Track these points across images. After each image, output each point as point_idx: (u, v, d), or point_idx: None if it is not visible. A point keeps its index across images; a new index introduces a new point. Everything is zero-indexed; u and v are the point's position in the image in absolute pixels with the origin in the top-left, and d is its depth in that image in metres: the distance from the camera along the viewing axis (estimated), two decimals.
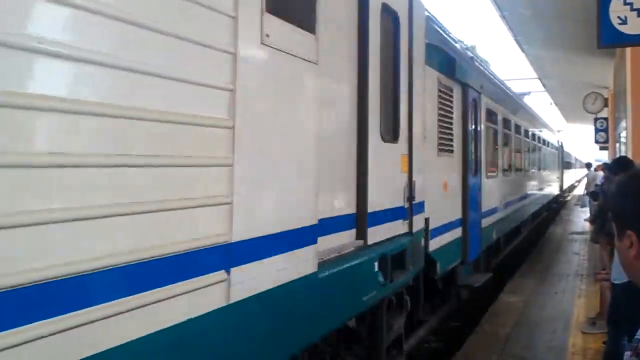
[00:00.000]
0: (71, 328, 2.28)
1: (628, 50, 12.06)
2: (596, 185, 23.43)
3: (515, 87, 22.47)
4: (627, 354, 1.83)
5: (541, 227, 23.23)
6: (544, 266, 14.60)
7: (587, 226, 22.90)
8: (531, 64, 21.82)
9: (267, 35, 3.50)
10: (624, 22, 6.03)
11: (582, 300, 10.87)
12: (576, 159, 65.01)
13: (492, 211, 12.52)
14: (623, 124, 14.40)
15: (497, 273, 14.61)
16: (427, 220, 7.42)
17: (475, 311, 11.18)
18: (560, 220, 26.94)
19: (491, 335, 8.86)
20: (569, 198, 45.98)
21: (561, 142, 35.99)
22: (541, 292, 11.71)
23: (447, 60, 9.20)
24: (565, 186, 41.66)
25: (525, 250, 17.74)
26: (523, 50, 19.45)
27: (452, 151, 9.45)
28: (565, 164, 42.52)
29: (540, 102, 34.94)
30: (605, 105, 21.54)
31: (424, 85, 6.99)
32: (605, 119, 23.82)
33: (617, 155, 17.01)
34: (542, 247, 18.13)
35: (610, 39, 6.25)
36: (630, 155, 12.06)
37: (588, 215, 26.45)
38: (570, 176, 52.75)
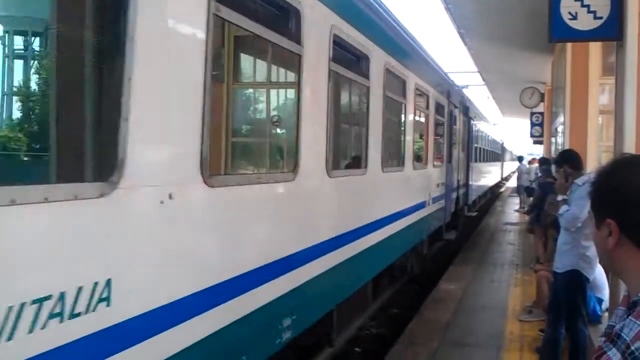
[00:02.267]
0: None
1: (568, 46, 12.37)
2: (530, 180, 24.18)
3: (456, 80, 22.64)
4: (602, 339, 1.85)
5: (476, 219, 23.67)
6: (480, 255, 14.93)
7: (520, 217, 23.55)
8: (472, 57, 22.18)
9: None
10: (574, 17, 6.15)
11: (518, 289, 11.16)
12: (503, 147, 46.40)
13: None
14: (560, 118, 14.80)
15: (435, 261, 14.88)
16: None
17: (414, 298, 11.35)
18: (494, 211, 27.59)
19: (432, 322, 9.00)
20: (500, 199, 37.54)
21: (465, 105, 18.90)
22: (478, 281, 11.97)
23: None
24: (477, 195, 23.55)
25: (461, 240, 18.11)
26: (465, 44, 19.74)
27: None
28: (485, 153, 27.25)
29: (478, 95, 35.51)
30: (542, 100, 22.11)
31: None
32: (541, 113, 24.46)
33: (554, 149, 17.55)
34: (478, 238, 18.52)
35: (560, 34, 6.37)
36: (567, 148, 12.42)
37: (518, 206, 27.30)
38: (494, 174, 35.58)
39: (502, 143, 44.51)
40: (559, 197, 6.54)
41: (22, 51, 49.56)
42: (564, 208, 6.33)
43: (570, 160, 6.61)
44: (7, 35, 49.27)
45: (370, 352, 8.55)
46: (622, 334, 1.70)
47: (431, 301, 10.32)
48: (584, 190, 6.36)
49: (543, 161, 16.03)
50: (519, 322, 8.99)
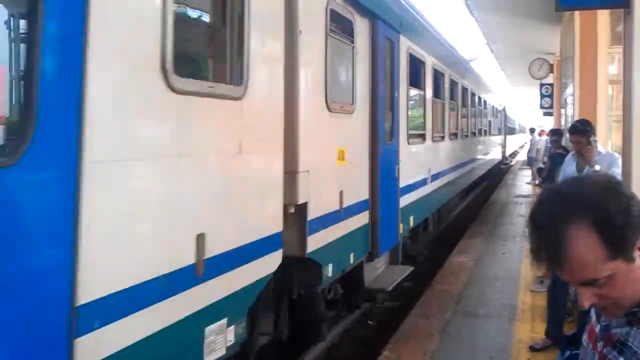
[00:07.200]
0: None
1: (576, 15, 12.29)
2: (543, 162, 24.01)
3: (463, 53, 22.51)
4: (600, 344, 1.79)
5: (486, 192, 23.66)
6: (491, 228, 14.95)
7: (531, 189, 23.51)
8: (480, 29, 22.03)
9: None
10: None
11: (529, 260, 11.19)
12: (503, 118, 32.76)
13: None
14: (569, 89, 14.73)
15: (443, 236, 14.93)
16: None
17: (426, 271, 11.43)
18: (505, 184, 27.54)
19: (444, 293, 9.08)
20: None
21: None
22: (490, 253, 12.03)
23: None
24: None
25: (471, 213, 18.14)
26: (473, 15, 19.60)
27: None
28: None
29: (486, 67, 35.07)
30: (551, 71, 21.96)
31: None
32: (551, 84, 24.29)
33: (563, 121, 17.46)
34: (488, 210, 18.52)
35: (568, 2, 6.35)
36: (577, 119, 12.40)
37: (530, 179, 27.24)
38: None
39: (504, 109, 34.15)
40: (597, 167, 6.19)
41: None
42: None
43: (592, 128, 6.60)
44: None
45: (383, 324, 8.65)
46: (629, 344, 1.65)
47: (443, 274, 10.39)
48: (610, 156, 6.31)
49: (554, 132, 15.94)
50: (530, 293, 9.05)
